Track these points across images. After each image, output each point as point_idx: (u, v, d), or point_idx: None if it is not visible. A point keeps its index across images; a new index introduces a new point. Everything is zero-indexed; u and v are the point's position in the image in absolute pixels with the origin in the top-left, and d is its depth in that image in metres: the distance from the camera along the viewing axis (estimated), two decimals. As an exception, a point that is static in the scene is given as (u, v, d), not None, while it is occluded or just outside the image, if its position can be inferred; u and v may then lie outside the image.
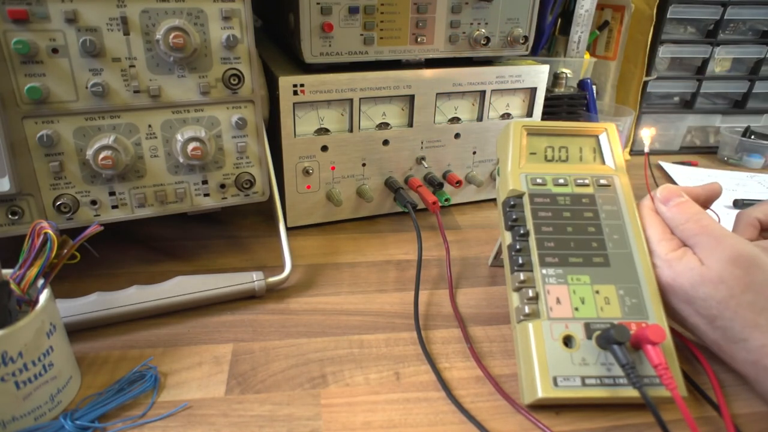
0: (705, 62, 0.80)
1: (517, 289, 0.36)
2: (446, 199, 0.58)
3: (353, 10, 0.49)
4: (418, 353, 0.39)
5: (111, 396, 0.34)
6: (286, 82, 0.49)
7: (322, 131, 0.52)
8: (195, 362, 0.38)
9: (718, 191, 0.40)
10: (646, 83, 0.79)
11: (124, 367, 0.37)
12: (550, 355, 0.33)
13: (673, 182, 0.72)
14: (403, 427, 0.33)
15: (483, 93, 0.57)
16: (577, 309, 0.35)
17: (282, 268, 0.45)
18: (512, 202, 0.39)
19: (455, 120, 0.57)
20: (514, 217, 0.39)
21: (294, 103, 0.50)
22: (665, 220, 0.38)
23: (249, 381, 0.36)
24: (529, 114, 0.61)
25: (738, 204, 0.65)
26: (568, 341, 0.34)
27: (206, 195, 0.45)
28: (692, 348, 0.37)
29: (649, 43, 0.76)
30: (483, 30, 0.55)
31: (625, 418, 0.34)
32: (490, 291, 0.47)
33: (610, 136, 0.42)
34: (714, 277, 0.33)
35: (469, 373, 0.37)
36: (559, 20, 0.78)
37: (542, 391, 0.32)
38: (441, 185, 0.58)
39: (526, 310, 0.35)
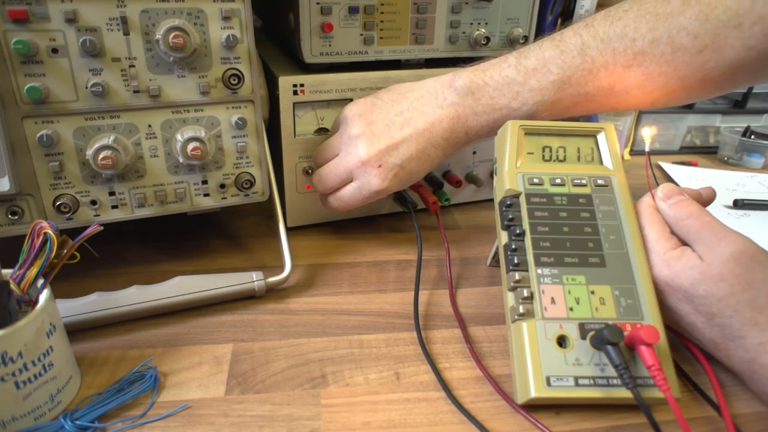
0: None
1: (513, 289, 0.36)
2: (446, 199, 0.58)
3: (353, 10, 0.49)
4: (418, 353, 0.39)
5: (111, 396, 0.34)
6: (286, 82, 0.49)
7: (322, 131, 0.52)
8: (195, 362, 0.38)
9: (714, 195, 0.40)
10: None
11: (124, 367, 0.37)
12: (543, 355, 0.33)
13: (674, 182, 0.72)
14: (403, 427, 0.33)
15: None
16: (571, 309, 0.35)
17: (282, 268, 0.46)
18: (509, 202, 0.39)
19: (455, 120, 0.57)
20: (510, 216, 0.39)
21: (294, 103, 0.50)
22: (666, 218, 0.38)
23: (249, 381, 0.36)
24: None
25: (738, 204, 0.65)
26: (562, 341, 0.34)
27: (206, 195, 0.45)
28: (692, 348, 0.37)
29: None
30: (483, 30, 0.55)
31: (625, 418, 0.34)
32: (490, 291, 0.47)
33: (608, 136, 0.42)
34: (715, 274, 0.33)
35: (469, 373, 0.37)
36: (559, 20, 0.78)
37: (535, 390, 0.32)
38: (441, 185, 0.58)
39: (521, 309, 0.35)
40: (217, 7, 0.39)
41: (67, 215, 0.40)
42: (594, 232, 0.38)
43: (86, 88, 0.38)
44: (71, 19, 0.36)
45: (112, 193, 0.42)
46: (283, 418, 0.33)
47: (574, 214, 0.39)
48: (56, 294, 0.34)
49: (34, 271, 0.32)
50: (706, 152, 0.86)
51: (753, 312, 0.32)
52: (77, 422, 0.32)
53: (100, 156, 0.39)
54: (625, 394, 0.32)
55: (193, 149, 0.41)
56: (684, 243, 0.36)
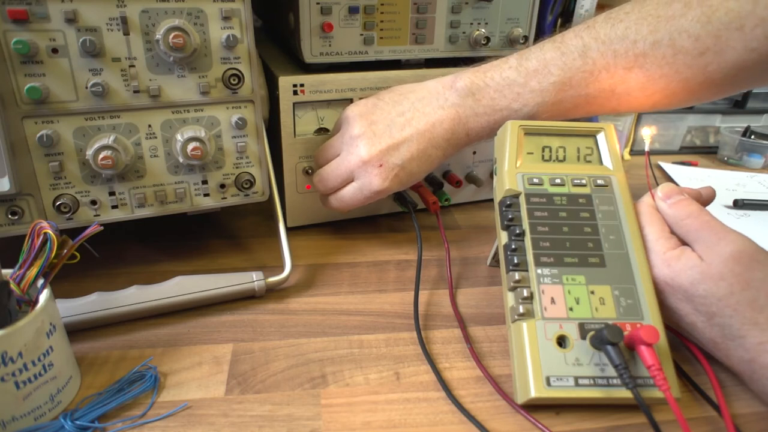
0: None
1: (512, 289, 0.36)
2: (446, 199, 0.58)
3: (353, 10, 0.49)
4: (418, 353, 0.39)
5: (111, 396, 0.34)
6: (286, 82, 0.49)
7: (322, 131, 0.52)
8: (195, 362, 0.38)
9: (714, 195, 0.40)
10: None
11: (124, 367, 0.37)
12: (543, 355, 0.33)
13: (674, 182, 0.72)
14: (403, 427, 0.33)
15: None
16: (571, 309, 0.35)
17: (282, 268, 0.46)
18: (508, 202, 0.39)
19: (455, 120, 0.57)
20: (510, 216, 0.39)
21: (294, 103, 0.50)
22: (665, 218, 0.38)
23: (249, 381, 0.36)
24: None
25: (738, 204, 0.65)
26: (562, 341, 0.34)
27: (206, 195, 0.45)
28: (692, 348, 0.37)
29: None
30: (483, 30, 0.55)
31: (625, 418, 0.34)
32: (490, 291, 0.47)
33: (607, 136, 0.42)
34: (715, 273, 0.33)
35: (469, 373, 0.37)
36: (559, 20, 0.78)
37: (535, 390, 0.32)
38: (441, 185, 0.58)
39: (521, 309, 0.35)
40: (217, 7, 0.39)
41: (67, 215, 0.40)
42: (594, 232, 0.38)
43: (86, 88, 0.38)
44: (71, 19, 0.36)
45: (112, 193, 0.42)
46: (283, 418, 0.33)
47: (573, 214, 0.39)
48: (56, 294, 0.34)
49: (34, 271, 0.32)
50: (706, 152, 0.86)
51: (753, 311, 0.32)
52: (77, 422, 0.32)
53: (100, 156, 0.39)
54: (625, 394, 0.32)
55: (193, 149, 0.41)
56: (684, 243, 0.36)
